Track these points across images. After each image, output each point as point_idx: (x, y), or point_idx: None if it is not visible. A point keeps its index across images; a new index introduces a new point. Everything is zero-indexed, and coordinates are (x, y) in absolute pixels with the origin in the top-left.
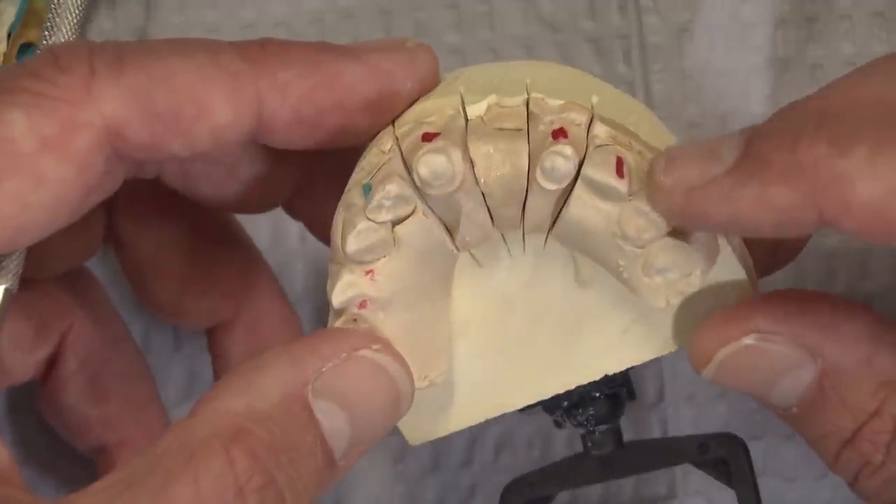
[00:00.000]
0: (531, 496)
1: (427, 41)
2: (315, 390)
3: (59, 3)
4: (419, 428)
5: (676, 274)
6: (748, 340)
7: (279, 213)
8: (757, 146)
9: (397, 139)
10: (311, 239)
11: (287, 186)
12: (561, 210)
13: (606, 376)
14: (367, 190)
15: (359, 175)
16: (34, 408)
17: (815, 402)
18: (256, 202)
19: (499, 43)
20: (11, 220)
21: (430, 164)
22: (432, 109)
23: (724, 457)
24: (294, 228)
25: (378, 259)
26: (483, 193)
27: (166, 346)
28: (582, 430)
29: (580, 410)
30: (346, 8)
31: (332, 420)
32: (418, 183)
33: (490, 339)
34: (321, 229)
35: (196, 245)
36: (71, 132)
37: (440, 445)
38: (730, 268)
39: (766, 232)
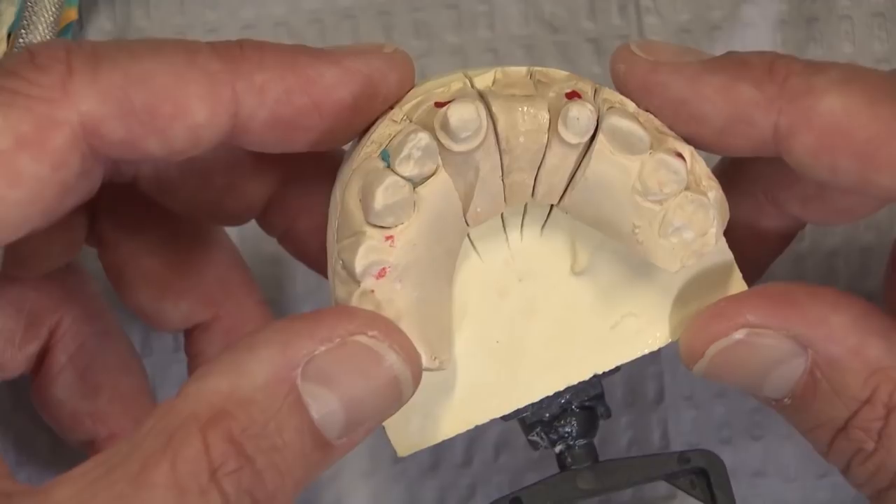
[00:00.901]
0: None
1: (427, 41)
2: (305, 373)
3: (35, 2)
4: (408, 439)
5: (692, 233)
6: (738, 335)
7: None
8: (736, 54)
9: (407, 116)
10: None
11: (260, 198)
12: (577, 171)
13: (596, 375)
14: (386, 156)
15: (370, 148)
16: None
17: (807, 392)
18: (230, 213)
19: (499, 43)
20: None
21: (461, 112)
22: (438, 84)
23: (704, 466)
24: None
25: (399, 223)
26: (501, 152)
27: (166, 347)
28: (561, 446)
29: (561, 422)
30: (346, 8)
31: (323, 404)
32: (443, 138)
33: (483, 335)
34: (294, 244)
35: (175, 247)
36: (47, 130)
37: (440, 445)
38: (719, 259)
39: (715, 125)
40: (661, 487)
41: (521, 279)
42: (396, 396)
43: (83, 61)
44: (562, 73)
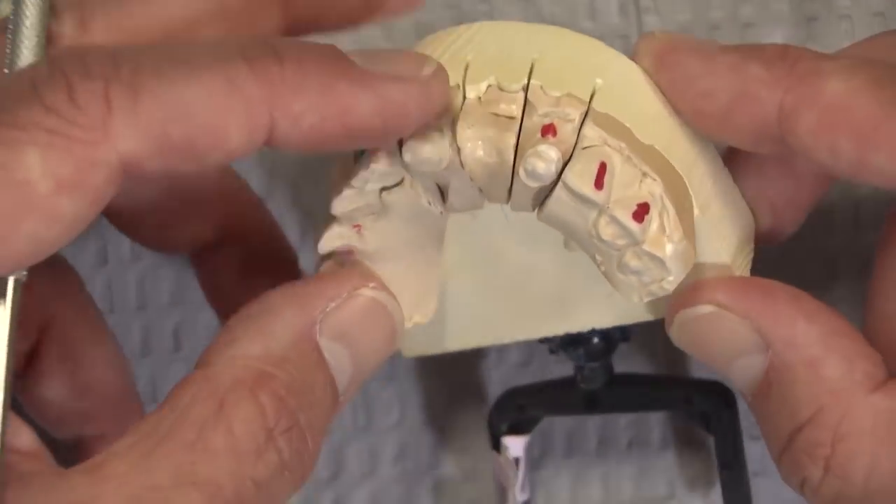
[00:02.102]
0: (519, 417)
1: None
2: (321, 330)
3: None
4: (414, 342)
5: (649, 278)
6: (703, 310)
7: (281, 208)
8: (751, 45)
9: None
10: (311, 235)
11: (191, 236)
12: (544, 199)
13: (594, 329)
14: (361, 153)
15: None
16: None
17: (761, 394)
18: (161, 240)
19: None
20: (25, 256)
21: (415, 151)
22: None
23: (708, 410)
24: (295, 223)
25: (366, 217)
26: (469, 176)
27: (166, 347)
28: (574, 364)
29: (572, 347)
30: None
31: (337, 357)
32: (404, 163)
33: (482, 282)
34: (211, 290)
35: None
36: (87, 171)
37: (439, 445)
38: (715, 257)
39: (722, 100)
40: (661, 487)
41: (519, 244)
42: (391, 344)
43: (123, 97)
44: (554, 95)
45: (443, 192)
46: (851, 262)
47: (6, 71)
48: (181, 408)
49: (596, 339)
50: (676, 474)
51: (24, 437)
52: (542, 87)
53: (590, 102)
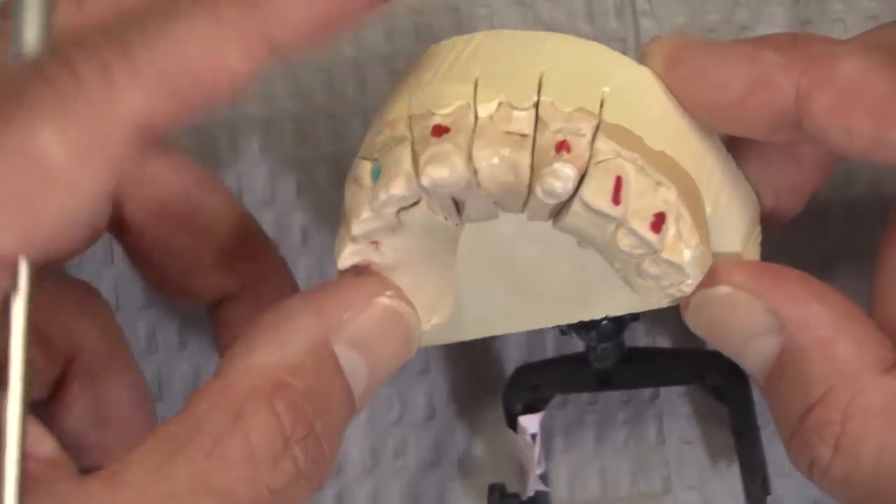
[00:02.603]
0: (531, 396)
1: (429, 44)
2: (338, 338)
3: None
4: (429, 332)
5: (668, 282)
6: (721, 291)
7: (281, 211)
8: (760, 36)
9: (411, 121)
10: (314, 237)
11: (214, 286)
12: (562, 212)
13: (607, 317)
14: (376, 173)
15: (369, 148)
16: None
17: (774, 376)
18: (184, 288)
19: None
20: (50, 231)
21: (433, 175)
22: (447, 97)
23: (720, 384)
24: (296, 227)
25: (383, 234)
26: (485, 193)
27: (171, 345)
28: (585, 344)
29: (584, 330)
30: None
31: (353, 365)
32: (421, 185)
33: (496, 278)
34: (223, 339)
35: (200, 223)
36: (101, 136)
37: (441, 442)
38: (730, 246)
39: (737, 90)
40: (657, 482)
41: (532, 241)
42: (408, 351)
43: (118, 58)
44: (565, 110)
45: (458, 205)
46: (846, 261)
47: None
48: (198, 417)
49: (606, 321)
50: (673, 470)
51: (45, 445)
52: (552, 104)
53: (600, 114)
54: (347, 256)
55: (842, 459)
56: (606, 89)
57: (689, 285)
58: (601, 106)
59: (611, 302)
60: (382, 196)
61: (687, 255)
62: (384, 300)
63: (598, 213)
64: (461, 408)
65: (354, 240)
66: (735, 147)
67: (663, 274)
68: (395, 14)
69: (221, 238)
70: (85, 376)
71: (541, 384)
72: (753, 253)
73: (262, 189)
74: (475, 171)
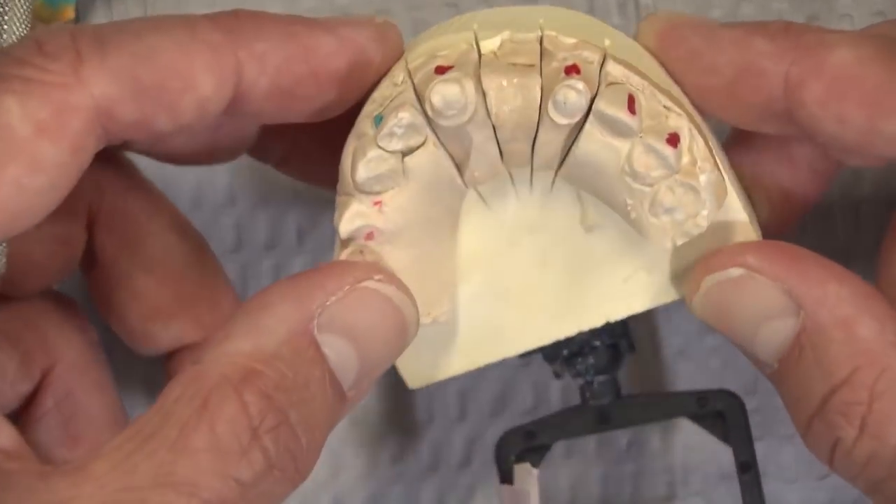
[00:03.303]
0: (528, 445)
1: None
2: (320, 325)
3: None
4: (419, 371)
5: (683, 214)
6: (735, 273)
7: (276, 213)
8: (754, 22)
9: (409, 72)
10: (309, 237)
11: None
12: (571, 146)
13: (608, 324)
14: (379, 120)
15: (370, 107)
16: None
17: (792, 359)
18: (224, 147)
19: None
20: (9, 205)
21: (443, 92)
22: (446, 44)
23: (722, 410)
24: (292, 227)
25: (387, 190)
26: (494, 126)
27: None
28: (580, 381)
29: (580, 360)
30: (344, 7)
31: (339, 353)
32: (430, 113)
33: (494, 281)
34: (295, 166)
35: (169, 266)
36: (64, 115)
37: (439, 445)
38: (734, 212)
39: (727, 75)
40: (661, 488)
41: (532, 231)
42: (403, 339)
43: (90, 45)
44: (571, 41)
45: (460, 168)
46: (853, 262)
47: None
48: (167, 407)
49: (601, 345)
50: (677, 476)
51: (5, 436)
52: (556, 36)
53: (605, 49)
54: (350, 219)
55: (867, 440)
56: (607, 41)
57: (703, 217)
58: (605, 46)
59: (612, 304)
60: (391, 122)
61: (703, 178)
62: (371, 283)
63: (614, 123)
64: (460, 412)
65: (358, 198)
66: (728, 150)
67: (678, 204)
68: (392, 10)
69: (186, 284)
70: (59, 391)
71: (536, 431)
72: (757, 230)
73: (258, 188)
74: (484, 96)
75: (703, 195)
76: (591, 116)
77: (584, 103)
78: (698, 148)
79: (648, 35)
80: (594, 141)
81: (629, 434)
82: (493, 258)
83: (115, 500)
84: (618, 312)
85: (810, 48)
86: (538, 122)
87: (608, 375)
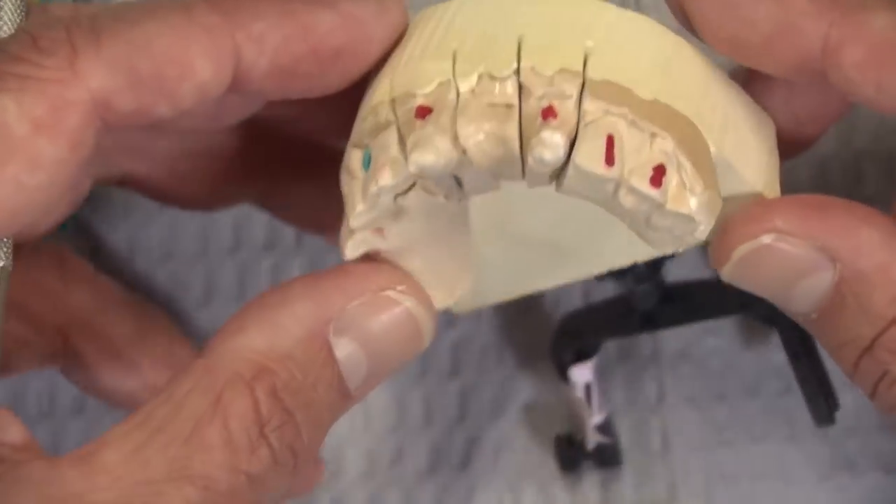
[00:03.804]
0: (581, 344)
1: None
2: (336, 328)
3: None
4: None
5: (679, 231)
6: (766, 239)
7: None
8: None
9: (394, 104)
10: (307, 239)
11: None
12: (560, 175)
13: (636, 263)
14: (367, 160)
15: (358, 135)
16: None
17: (833, 308)
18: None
19: None
20: (9, 204)
21: (419, 162)
22: (426, 76)
23: (769, 314)
24: (290, 228)
25: (384, 224)
26: (477, 169)
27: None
28: (623, 290)
29: (619, 275)
30: None
31: (351, 357)
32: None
33: (515, 242)
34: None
35: (131, 321)
36: (62, 111)
37: (438, 447)
38: (750, 186)
39: (764, 30)
40: (661, 489)
41: (544, 198)
42: (415, 349)
43: (85, 38)
44: (547, 73)
45: (458, 179)
46: (880, 165)
47: None
48: (178, 398)
49: (638, 265)
50: (678, 477)
51: (14, 431)
52: (533, 69)
53: (584, 72)
54: (352, 249)
55: None
56: (590, 43)
57: (701, 231)
58: (585, 63)
59: (635, 248)
60: (373, 189)
61: (693, 203)
62: (394, 294)
63: (593, 178)
64: (461, 412)
65: (356, 232)
66: (755, 73)
67: (673, 225)
68: None
69: (150, 338)
70: (91, 335)
71: (587, 332)
72: (773, 185)
73: None
74: (463, 150)
75: (696, 217)
76: (570, 163)
77: (562, 154)
78: (685, 170)
79: None
80: (578, 183)
81: (629, 435)
82: (511, 224)
83: (132, 493)
84: (646, 254)
85: (850, 10)
86: (522, 164)
87: (651, 283)
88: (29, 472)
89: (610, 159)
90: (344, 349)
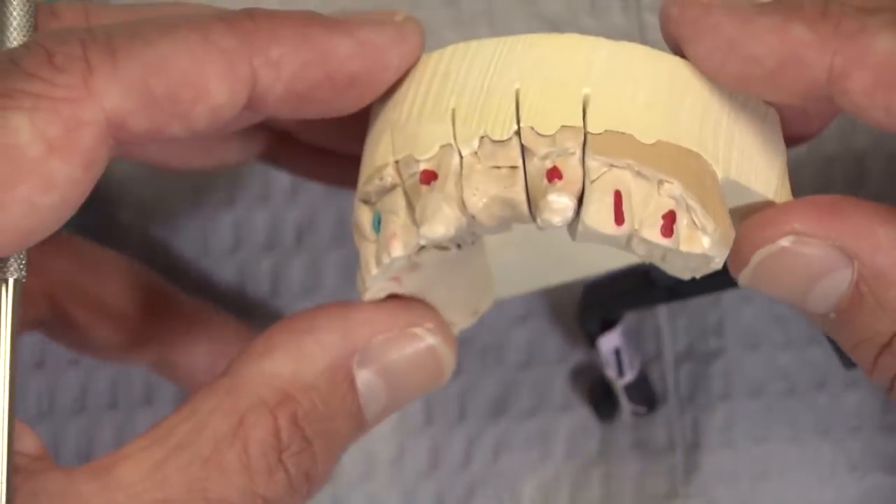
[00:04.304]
0: (607, 314)
1: (427, 39)
2: (360, 361)
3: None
4: None
5: (695, 264)
6: (784, 242)
7: (275, 213)
8: (788, 2)
9: (398, 167)
10: (307, 239)
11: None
12: (573, 224)
13: None
14: (377, 222)
15: (364, 193)
16: None
17: (852, 306)
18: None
19: None
20: (21, 225)
21: (429, 235)
22: (426, 141)
23: None
24: (290, 227)
25: (401, 274)
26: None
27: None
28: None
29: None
30: (344, 7)
31: (372, 389)
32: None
33: (528, 250)
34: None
35: (140, 294)
36: (76, 131)
37: (438, 447)
38: (752, 193)
39: (767, 65)
40: (662, 486)
41: None
42: (435, 385)
43: (101, 56)
44: (548, 133)
45: (468, 240)
46: (881, 165)
47: None
48: (200, 417)
49: None
50: (678, 475)
51: (28, 441)
52: (533, 129)
53: (585, 127)
54: (372, 294)
55: None
56: (587, 90)
57: (716, 263)
58: (584, 114)
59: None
60: (385, 260)
61: (706, 242)
62: (419, 331)
63: (604, 238)
64: (461, 412)
65: (373, 285)
66: None
67: (687, 263)
68: (393, 8)
69: (124, 319)
70: (78, 295)
71: (612, 303)
72: (785, 189)
73: (257, 188)
74: (472, 217)
75: (710, 254)
76: (580, 221)
77: (570, 215)
78: (696, 213)
79: (676, 24)
80: (591, 236)
81: (633, 433)
82: (524, 235)
83: None
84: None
85: (852, 36)
86: (532, 218)
87: None
88: (45, 484)
89: (619, 217)
90: (366, 381)
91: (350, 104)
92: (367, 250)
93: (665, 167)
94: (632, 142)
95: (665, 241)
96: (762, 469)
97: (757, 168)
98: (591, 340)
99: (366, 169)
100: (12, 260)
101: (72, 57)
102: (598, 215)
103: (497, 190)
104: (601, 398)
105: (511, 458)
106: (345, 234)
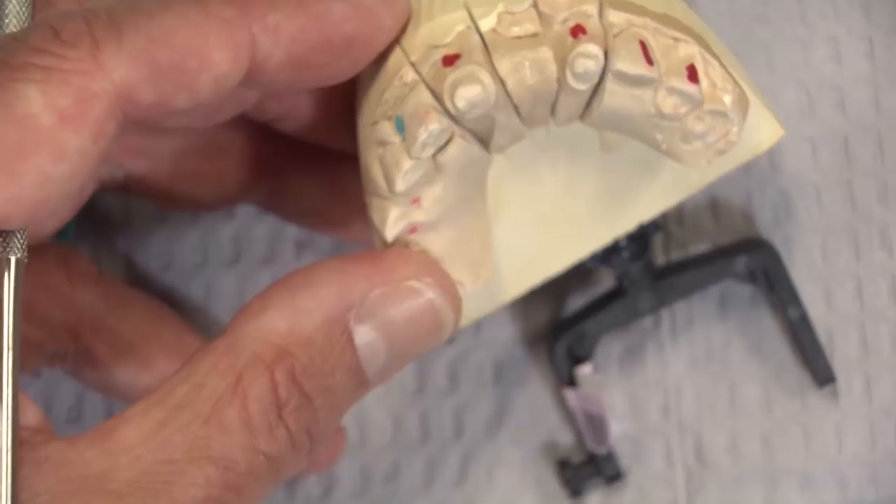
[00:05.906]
0: (578, 344)
1: None
2: (358, 315)
3: None
4: (467, 308)
5: (715, 136)
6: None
7: (275, 226)
8: None
9: (415, 67)
10: (308, 251)
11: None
12: (593, 101)
13: (640, 225)
14: (400, 125)
15: (382, 108)
16: None
17: None
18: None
19: None
20: (34, 194)
21: (467, 96)
22: (442, 29)
23: (758, 269)
24: (290, 241)
25: (423, 190)
26: (515, 105)
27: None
28: (617, 272)
29: (613, 253)
30: None
31: (370, 345)
32: (453, 112)
33: (525, 215)
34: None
35: (141, 318)
36: (86, 103)
37: (434, 463)
38: (757, 113)
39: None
40: (663, 488)
41: (553, 164)
42: (435, 340)
43: (106, 31)
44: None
45: (483, 141)
46: (874, 236)
47: None
48: (198, 377)
49: (629, 242)
50: (678, 476)
51: (29, 413)
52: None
53: None
54: (394, 224)
55: None
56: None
57: (734, 133)
58: None
59: (642, 205)
60: (422, 135)
61: (727, 100)
62: (418, 285)
63: (636, 79)
64: (457, 428)
65: (396, 201)
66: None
67: (709, 128)
68: None
69: (157, 333)
70: (103, 333)
71: (587, 327)
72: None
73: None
74: (503, 83)
75: (731, 115)
76: (610, 75)
77: (602, 63)
78: (714, 70)
79: None
80: (618, 96)
81: (631, 447)
82: (521, 196)
83: (154, 472)
84: (648, 213)
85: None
86: (557, 90)
87: (641, 260)
88: (47, 453)
89: (649, 59)
90: (364, 336)
91: (346, 68)
92: (395, 151)
93: (680, 30)
94: (644, 9)
95: (692, 88)
96: (762, 465)
97: (734, 65)
98: (566, 377)
99: (375, 85)
100: (18, 236)
101: (78, 32)
102: (629, 57)
103: (525, 54)
104: (570, 475)
105: (506, 475)
106: (312, 252)
